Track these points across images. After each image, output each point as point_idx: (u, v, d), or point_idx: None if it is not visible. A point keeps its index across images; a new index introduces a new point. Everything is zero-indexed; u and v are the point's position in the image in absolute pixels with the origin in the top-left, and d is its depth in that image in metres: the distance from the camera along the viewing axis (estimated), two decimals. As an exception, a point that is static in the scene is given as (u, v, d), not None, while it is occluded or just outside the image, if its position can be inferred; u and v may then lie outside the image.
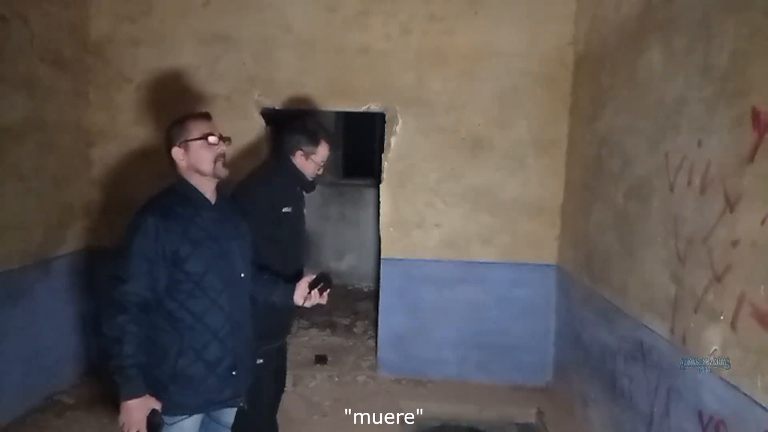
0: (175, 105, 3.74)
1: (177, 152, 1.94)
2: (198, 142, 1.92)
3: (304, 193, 2.64)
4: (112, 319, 1.78)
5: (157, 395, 1.85)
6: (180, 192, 1.95)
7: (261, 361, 2.33)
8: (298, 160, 2.51)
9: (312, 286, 2.18)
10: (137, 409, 1.80)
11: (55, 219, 3.51)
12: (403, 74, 3.80)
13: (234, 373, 1.98)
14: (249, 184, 2.45)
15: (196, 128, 1.94)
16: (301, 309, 2.29)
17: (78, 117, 3.72)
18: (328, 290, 2.21)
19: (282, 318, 2.52)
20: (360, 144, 6.89)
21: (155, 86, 3.81)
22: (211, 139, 1.93)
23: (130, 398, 1.79)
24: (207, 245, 1.92)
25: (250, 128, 3.80)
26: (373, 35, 3.78)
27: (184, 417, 1.92)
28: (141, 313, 1.81)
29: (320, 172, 2.58)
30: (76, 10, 3.65)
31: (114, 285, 1.80)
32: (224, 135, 1.98)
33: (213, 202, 1.99)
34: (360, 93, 3.83)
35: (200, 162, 1.93)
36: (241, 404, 2.07)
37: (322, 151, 2.53)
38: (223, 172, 1.96)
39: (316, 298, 2.20)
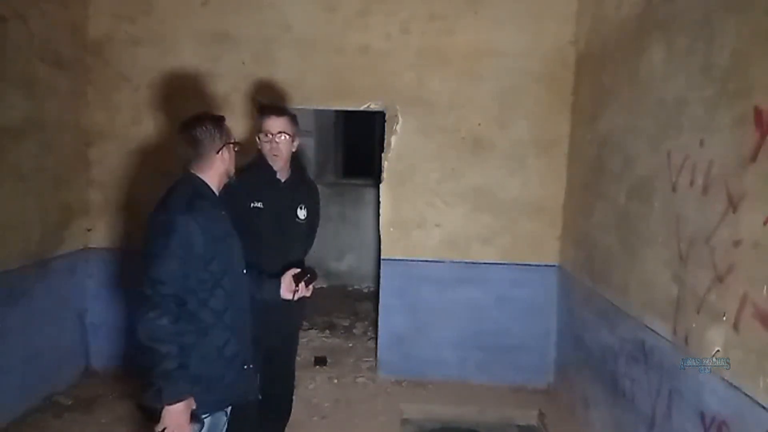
0: (175, 105, 3.74)
1: (225, 152, 1.99)
2: (233, 146, 2.02)
3: (301, 189, 2.59)
4: (155, 322, 1.75)
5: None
6: (197, 188, 1.95)
7: None
8: (260, 143, 2.46)
9: (297, 279, 2.18)
10: (182, 412, 1.79)
11: (54, 219, 3.50)
12: (403, 74, 3.79)
13: (245, 367, 2.03)
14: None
15: (231, 133, 2.03)
16: (293, 311, 2.28)
17: (77, 117, 3.72)
18: (313, 283, 2.23)
19: (267, 317, 2.38)
20: (360, 144, 6.88)
21: (154, 86, 3.80)
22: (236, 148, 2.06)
23: (175, 402, 1.77)
24: (225, 244, 1.96)
25: (250, 128, 3.78)
26: (373, 34, 3.77)
27: (207, 415, 1.94)
28: (178, 313, 1.81)
29: (276, 152, 2.42)
30: (75, 10, 3.65)
31: (152, 287, 1.77)
32: None
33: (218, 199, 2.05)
34: (360, 92, 3.82)
35: (232, 166, 2.03)
36: (252, 397, 2.11)
37: (266, 123, 2.43)
38: (233, 179, 2.08)
39: (303, 291, 2.20)
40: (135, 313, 1.79)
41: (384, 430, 3.34)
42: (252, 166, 2.49)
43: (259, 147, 2.47)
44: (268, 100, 3.80)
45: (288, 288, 2.20)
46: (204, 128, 1.97)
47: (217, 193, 2.02)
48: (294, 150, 2.51)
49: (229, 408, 2.14)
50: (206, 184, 1.98)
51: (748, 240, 1.79)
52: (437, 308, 3.93)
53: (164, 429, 1.79)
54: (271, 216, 2.43)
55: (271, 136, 2.41)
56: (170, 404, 1.77)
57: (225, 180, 2.03)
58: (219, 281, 1.91)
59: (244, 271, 2.07)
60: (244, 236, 2.35)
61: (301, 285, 2.19)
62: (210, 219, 1.90)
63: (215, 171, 1.99)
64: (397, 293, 3.96)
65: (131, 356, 3.66)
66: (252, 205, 2.39)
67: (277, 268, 2.34)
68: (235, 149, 2.05)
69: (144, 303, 1.78)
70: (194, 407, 1.84)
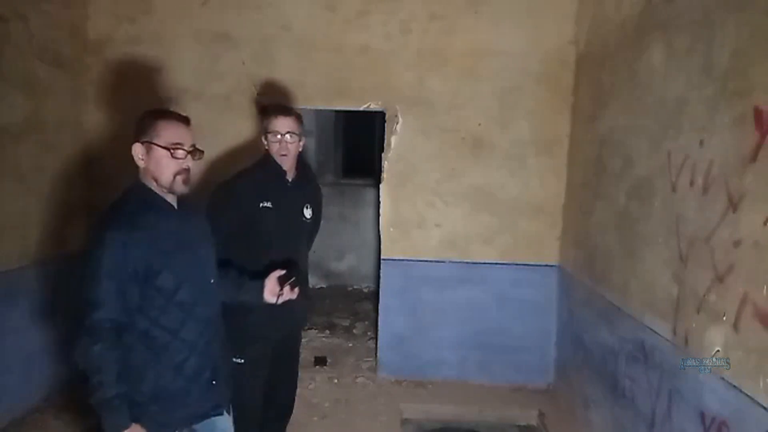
0: (175, 105, 3.74)
1: (137, 150, 1.76)
2: (163, 150, 1.74)
3: (306, 188, 2.59)
4: (88, 349, 1.63)
5: (139, 419, 1.72)
6: (142, 197, 1.79)
7: (242, 360, 2.28)
8: (267, 143, 2.44)
9: (282, 281, 2.09)
10: None
11: (54, 219, 3.50)
12: (403, 73, 3.79)
13: (214, 382, 1.90)
14: (227, 182, 2.44)
15: (167, 133, 1.75)
16: (298, 311, 2.25)
17: (77, 117, 3.72)
18: (297, 286, 2.15)
19: (263, 317, 2.35)
20: (360, 144, 6.89)
21: (154, 86, 3.80)
22: (178, 153, 1.75)
23: (118, 431, 1.68)
24: (178, 255, 1.79)
25: (250, 128, 3.79)
26: (373, 34, 3.77)
27: None
28: (117, 338, 1.68)
29: (284, 152, 2.41)
30: (75, 10, 3.65)
31: (85, 311, 1.64)
32: (198, 147, 1.82)
33: (175, 206, 1.85)
34: (360, 92, 3.82)
35: (159, 171, 1.76)
36: (225, 412, 1.99)
37: (273, 123, 2.42)
38: (182, 189, 1.79)
39: (288, 294, 2.13)
40: (71, 336, 1.66)
41: (384, 430, 3.34)
42: (259, 167, 2.49)
43: (266, 147, 2.46)
44: (268, 101, 3.80)
45: (272, 291, 2.09)
46: (136, 122, 1.79)
47: (171, 199, 1.83)
48: (300, 149, 2.51)
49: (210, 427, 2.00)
50: (151, 191, 1.79)
51: (748, 240, 1.79)
52: (437, 308, 3.93)
53: None
54: (279, 216, 2.42)
55: (279, 136, 2.40)
56: None
57: (165, 184, 1.78)
58: (172, 296, 1.76)
59: (212, 280, 1.93)
60: (253, 236, 2.36)
61: (286, 288, 2.09)
62: (151, 232, 1.72)
63: (144, 173, 1.78)
64: (397, 293, 3.96)
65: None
66: (261, 205, 2.38)
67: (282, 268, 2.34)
68: (184, 156, 1.77)
69: (79, 326, 1.65)
70: None
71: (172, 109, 1.91)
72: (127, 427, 1.69)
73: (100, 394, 1.65)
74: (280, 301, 2.13)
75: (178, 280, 1.78)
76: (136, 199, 1.78)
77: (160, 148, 1.75)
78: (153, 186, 1.80)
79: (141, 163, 1.78)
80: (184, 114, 1.86)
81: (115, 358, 1.67)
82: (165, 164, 1.76)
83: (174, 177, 1.77)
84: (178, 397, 1.81)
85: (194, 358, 1.83)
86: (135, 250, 1.68)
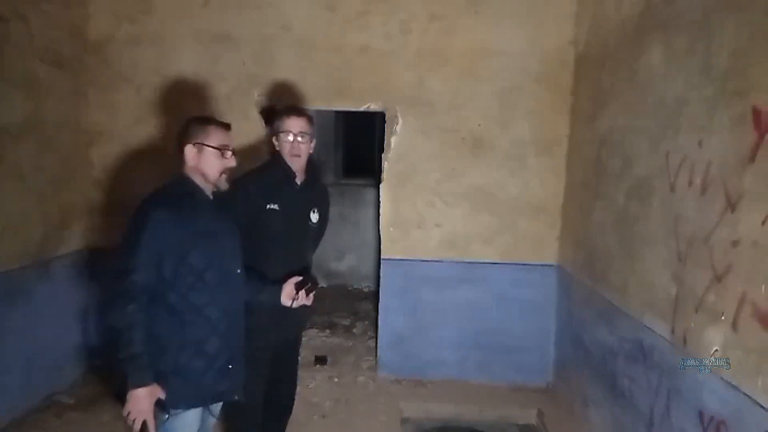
0: (175, 105, 3.75)
1: (190, 150, 1.99)
2: (213, 150, 1.99)
3: (314, 191, 2.58)
4: (121, 309, 1.80)
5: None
6: (183, 187, 2.00)
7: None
8: (278, 144, 2.43)
9: (299, 286, 2.22)
10: (145, 398, 1.83)
11: (55, 219, 3.51)
12: (403, 74, 3.79)
13: (231, 366, 2.05)
14: (236, 181, 2.44)
15: (216, 136, 2.01)
16: (300, 312, 2.27)
17: (77, 117, 3.72)
18: (314, 291, 2.27)
19: (265, 318, 2.35)
20: (360, 144, 6.89)
21: (155, 86, 3.81)
22: (227, 153, 2.01)
23: (139, 386, 1.82)
24: (209, 240, 1.99)
25: (250, 128, 3.79)
26: (373, 34, 3.77)
27: (182, 410, 1.96)
28: (148, 302, 1.85)
29: (297, 152, 2.39)
30: (75, 10, 3.65)
31: (121, 276, 1.82)
32: (235, 150, 2.06)
33: (211, 199, 2.07)
34: (360, 92, 3.82)
35: (209, 169, 2.00)
36: (237, 397, 2.12)
37: (286, 123, 2.40)
38: (224, 185, 2.06)
39: (303, 299, 2.23)
40: (107, 301, 1.89)
41: (384, 430, 3.34)
42: (268, 167, 2.48)
43: (277, 148, 2.44)
44: (269, 102, 3.80)
45: (289, 295, 2.22)
46: (181, 128, 2.03)
47: (209, 193, 2.05)
48: (311, 151, 2.49)
49: (217, 407, 2.16)
50: (193, 183, 2.01)
51: (747, 240, 1.80)
52: (437, 308, 3.94)
53: (129, 413, 1.83)
54: (285, 218, 2.41)
55: (291, 137, 2.38)
56: (134, 389, 1.82)
57: (212, 180, 2.02)
58: (201, 275, 1.94)
59: (239, 270, 2.10)
60: (257, 237, 2.36)
61: (302, 293, 2.22)
62: (188, 215, 1.93)
63: (191, 169, 2.01)
64: (397, 293, 3.96)
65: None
66: (268, 206, 2.37)
67: (287, 269, 2.34)
68: (230, 157, 2.03)
69: (114, 290, 1.84)
70: (162, 396, 1.87)
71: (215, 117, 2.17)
72: (149, 384, 1.84)
73: (128, 350, 1.81)
74: (296, 305, 2.23)
75: (206, 262, 1.96)
76: (180, 188, 2.00)
77: (211, 149, 1.99)
78: (197, 180, 2.02)
79: (191, 162, 2.00)
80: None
81: (145, 319, 1.84)
82: (214, 162, 2.00)
83: (220, 174, 2.02)
84: (195, 376, 1.95)
85: (215, 338, 1.99)
86: (173, 230, 1.88)
